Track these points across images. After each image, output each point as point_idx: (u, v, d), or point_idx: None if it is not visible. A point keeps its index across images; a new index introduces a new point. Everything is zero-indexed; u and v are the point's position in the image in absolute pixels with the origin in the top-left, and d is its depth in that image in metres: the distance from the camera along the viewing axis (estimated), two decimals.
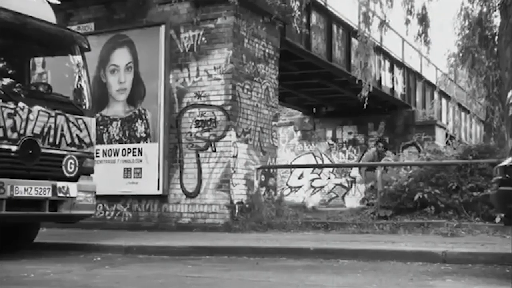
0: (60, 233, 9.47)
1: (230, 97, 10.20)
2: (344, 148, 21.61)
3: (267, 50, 11.29)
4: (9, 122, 6.68)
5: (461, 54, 12.73)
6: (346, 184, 21.41)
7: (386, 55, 18.44)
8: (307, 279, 5.09)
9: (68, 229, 10.00)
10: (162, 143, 10.45)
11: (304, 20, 13.46)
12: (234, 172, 10.16)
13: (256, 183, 10.59)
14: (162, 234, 9.37)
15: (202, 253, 7.18)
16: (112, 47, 11.07)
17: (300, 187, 21.65)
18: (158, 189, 10.42)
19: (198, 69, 10.46)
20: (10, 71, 7.70)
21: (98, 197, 8.32)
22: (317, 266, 6.04)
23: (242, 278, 5.22)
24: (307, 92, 18.96)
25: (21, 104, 6.82)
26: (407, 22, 11.81)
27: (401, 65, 19.75)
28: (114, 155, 10.82)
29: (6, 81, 7.11)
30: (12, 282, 4.96)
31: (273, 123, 11.48)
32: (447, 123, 23.78)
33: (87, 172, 7.68)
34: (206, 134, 10.30)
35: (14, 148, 6.73)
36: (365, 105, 11.94)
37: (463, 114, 26.51)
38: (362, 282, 4.91)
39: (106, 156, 10.82)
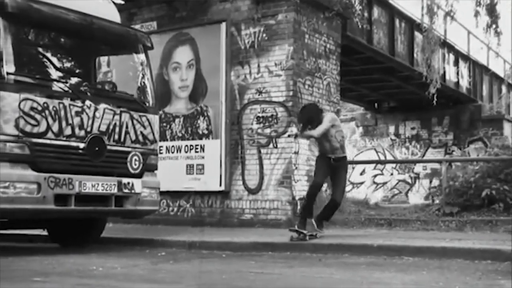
0: (125, 229, 9.68)
1: (291, 93, 10.18)
2: (407, 144, 21.24)
3: (328, 46, 11.20)
4: (76, 120, 6.88)
5: None
6: (409, 180, 21.04)
7: (451, 48, 17.99)
8: (371, 276, 5.02)
9: (133, 225, 10.23)
10: (223, 140, 10.53)
11: (366, 14, 13.30)
12: (296, 168, 10.14)
13: None
14: (224, 230, 9.44)
15: (264, 249, 7.19)
16: (174, 45, 11.23)
17: (362, 183, 21.41)
18: (220, 185, 10.51)
19: (259, 66, 10.48)
20: (77, 71, 7.95)
21: (162, 193, 8.47)
22: (381, 263, 5.96)
23: (305, 275, 5.20)
24: (368, 87, 18.71)
25: (88, 103, 7.00)
26: (476, 14, 11.42)
27: (466, 58, 19.23)
28: (177, 152, 10.97)
29: (74, 80, 7.34)
30: (82, 275, 5.11)
31: None
32: None
33: (151, 168, 7.83)
34: (267, 130, 10.31)
35: (81, 145, 6.93)
36: (434, 101, 11.65)
37: None
38: (428, 280, 4.80)
39: (169, 152, 10.99)
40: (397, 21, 14.86)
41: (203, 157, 10.68)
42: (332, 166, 7.54)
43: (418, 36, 15.07)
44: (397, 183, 21.20)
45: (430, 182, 20.05)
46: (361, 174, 21.52)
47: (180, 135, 11.05)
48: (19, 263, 5.96)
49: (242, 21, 10.65)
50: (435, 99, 11.88)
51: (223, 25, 10.68)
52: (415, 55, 15.50)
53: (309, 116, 7.51)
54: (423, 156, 20.88)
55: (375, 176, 21.50)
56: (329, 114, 7.85)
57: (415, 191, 20.67)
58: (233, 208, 10.52)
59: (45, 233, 8.44)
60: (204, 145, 10.71)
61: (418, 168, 20.79)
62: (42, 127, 6.57)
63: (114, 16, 7.95)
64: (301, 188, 10.21)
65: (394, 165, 21.35)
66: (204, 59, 10.89)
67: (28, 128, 6.46)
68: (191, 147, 10.84)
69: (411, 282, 4.73)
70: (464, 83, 19.25)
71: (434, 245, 6.60)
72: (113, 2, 8.32)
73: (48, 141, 6.62)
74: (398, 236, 7.80)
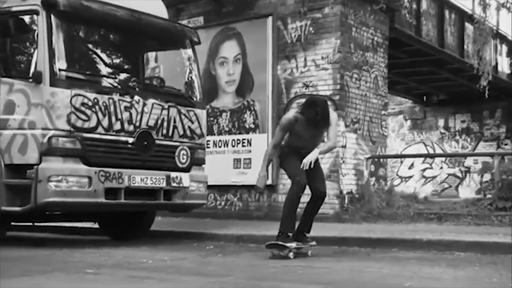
0: (173, 222, 9.79)
1: (338, 87, 10.10)
2: (457, 137, 20.82)
3: (375, 38, 11.06)
4: (126, 115, 6.97)
5: None
6: (459, 174, 20.64)
7: (503, 39, 17.53)
8: (421, 271, 4.94)
9: (181, 218, 10.33)
10: (270, 134, 10.51)
11: (414, 6, 13.09)
12: (343, 162, 10.06)
13: (365, 173, 10.44)
14: (271, 223, 9.40)
15: None
16: (221, 40, 11.28)
17: (410, 177, 21.11)
18: (267, 179, 10.47)
19: (305, 59, 10.43)
20: (126, 66, 8.07)
21: (209, 187, 8.52)
22: (431, 258, 5.86)
23: (353, 269, 5.15)
24: (417, 80, 18.40)
25: (136, 98, 7.10)
26: None
27: None
28: (224, 146, 11.03)
29: (123, 75, 7.46)
30: (132, 267, 5.19)
31: (382, 112, 11.26)
32: None
33: (199, 162, 7.88)
34: None
35: (131, 140, 7.02)
36: (486, 94, 11.35)
37: None
38: (480, 276, 4.70)
39: (216, 147, 11.06)
40: (446, 12, 14.58)
41: (250, 151, 10.71)
42: (303, 158, 6.07)
43: (469, 27, 14.74)
44: (447, 177, 20.82)
45: (482, 176, 19.61)
46: (409, 168, 21.22)
47: (227, 129, 11.10)
48: (72, 255, 6.10)
49: (288, 15, 10.62)
50: (487, 91, 11.59)
51: (270, 19, 10.67)
52: (465, 46, 15.17)
53: (325, 116, 5.99)
54: (474, 149, 20.44)
55: (424, 170, 21.17)
56: (334, 114, 6.31)
57: (465, 185, 20.26)
58: (280, 202, 10.47)
59: (96, 226, 8.61)
60: (251, 139, 10.74)
61: (468, 161, 20.38)
62: (93, 122, 6.69)
63: (162, 12, 8.03)
64: (348, 182, 10.14)
65: (443, 158, 20.97)
66: (250, 54, 10.91)
67: (79, 123, 6.59)
68: (238, 141, 10.88)
69: (463, 278, 4.63)
70: None
71: (486, 240, 6.45)
72: None
73: (98, 136, 6.75)
74: (449, 230, 7.66)
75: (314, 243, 6.28)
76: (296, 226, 6.18)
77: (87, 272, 4.81)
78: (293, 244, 5.95)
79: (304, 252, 6.16)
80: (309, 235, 6.28)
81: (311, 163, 5.96)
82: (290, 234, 6.01)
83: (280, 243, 5.91)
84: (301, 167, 5.97)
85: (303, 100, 10.22)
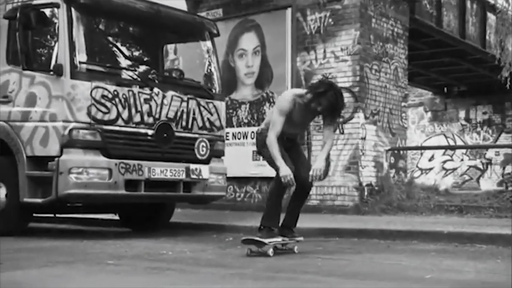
0: (193, 214, 9.83)
1: (357, 78, 10.05)
2: (479, 129, 20.61)
3: (395, 30, 10.97)
4: (145, 107, 7.01)
5: None
6: (481, 166, 20.45)
7: None
8: (442, 264, 4.91)
9: (200, 210, 10.37)
10: None
11: None
12: (363, 154, 10.02)
13: (385, 165, 10.39)
14: None
15: (331, 235, 7.15)
16: (240, 32, 11.27)
17: (431, 169, 20.95)
18: None
19: (325, 51, 10.38)
20: (145, 59, 8.10)
21: (229, 179, 8.54)
22: (452, 251, 5.82)
23: (373, 261, 5.14)
24: (437, 71, 18.22)
25: (156, 90, 7.12)
26: None
27: None
28: (243, 138, 11.04)
29: (142, 68, 7.48)
30: (152, 258, 5.22)
31: (402, 104, 11.17)
32: None
33: (218, 154, 7.90)
34: None
35: (150, 132, 7.06)
36: (507, 85, 11.22)
37: None
38: (503, 269, 4.65)
39: (235, 139, 11.07)
40: (468, 3, 14.39)
41: None
42: (285, 144, 5.60)
43: (491, 17, 14.55)
44: (468, 169, 20.64)
45: (503, 168, 19.41)
46: (429, 160, 21.06)
47: (246, 121, 11.10)
48: (93, 246, 6.15)
49: (307, 7, 10.56)
50: (509, 82, 11.46)
51: (289, 11, 10.63)
52: (487, 37, 14.97)
53: (343, 103, 5.76)
54: (496, 141, 20.23)
55: (444, 162, 21.00)
56: None
57: (487, 177, 20.07)
58: None
59: (116, 217, 8.67)
60: None
61: (490, 153, 20.17)
62: (113, 115, 6.73)
63: (181, 4, 8.04)
64: (368, 174, 10.10)
65: (464, 150, 20.77)
66: (269, 45, 10.89)
67: (99, 116, 6.63)
68: None
69: (485, 270, 4.59)
70: None
71: (508, 232, 6.39)
72: None
73: (118, 128, 6.78)
74: (470, 223, 7.60)
75: (301, 238, 5.81)
76: (282, 220, 5.72)
77: (108, 263, 4.85)
78: (277, 239, 5.48)
79: (290, 248, 5.68)
80: (300, 229, 5.91)
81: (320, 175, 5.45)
82: (274, 229, 5.51)
83: (256, 238, 5.37)
84: (310, 180, 5.46)
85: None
